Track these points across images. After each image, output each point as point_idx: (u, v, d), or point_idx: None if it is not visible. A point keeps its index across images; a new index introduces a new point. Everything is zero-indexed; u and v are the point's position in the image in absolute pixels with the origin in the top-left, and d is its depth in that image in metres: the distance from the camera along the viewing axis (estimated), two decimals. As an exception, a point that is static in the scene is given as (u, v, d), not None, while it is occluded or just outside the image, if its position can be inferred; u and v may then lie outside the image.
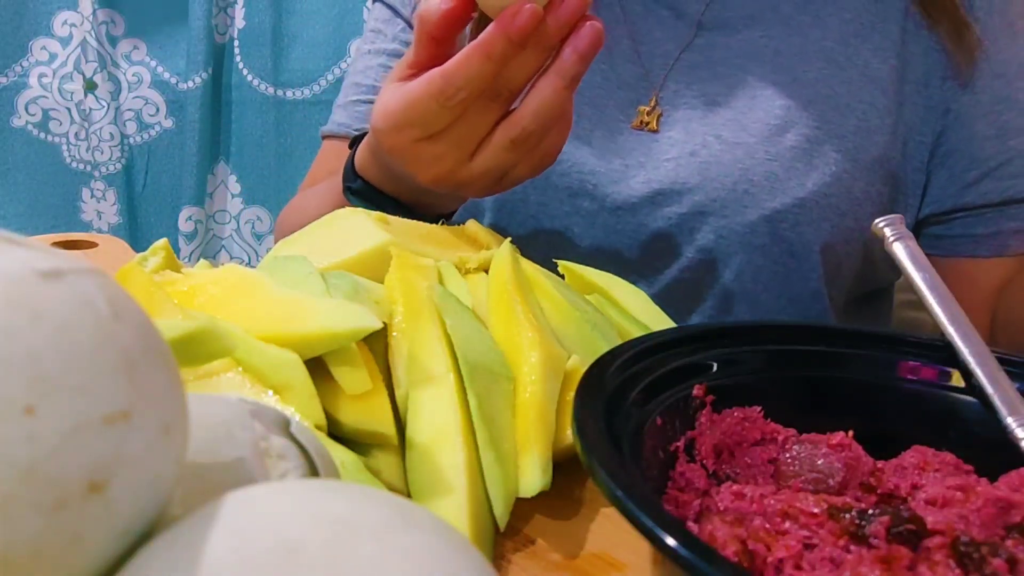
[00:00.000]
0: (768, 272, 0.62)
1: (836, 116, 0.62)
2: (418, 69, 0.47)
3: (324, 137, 0.76)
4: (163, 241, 0.47)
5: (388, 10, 0.74)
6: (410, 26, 0.73)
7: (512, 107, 0.47)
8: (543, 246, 0.65)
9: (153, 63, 1.26)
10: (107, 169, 1.27)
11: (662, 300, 0.62)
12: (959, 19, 0.61)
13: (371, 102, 0.70)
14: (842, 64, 0.62)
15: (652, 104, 0.64)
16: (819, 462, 0.32)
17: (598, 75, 0.66)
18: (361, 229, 0.46)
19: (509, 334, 0.39)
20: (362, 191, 0.55)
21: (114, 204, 1.29)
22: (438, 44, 0.46)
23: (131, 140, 1.28)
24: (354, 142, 0.59)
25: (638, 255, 0.64)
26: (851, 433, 0.33)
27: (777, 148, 0.61)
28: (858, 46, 0.62)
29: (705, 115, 0.63)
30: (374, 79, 0.73)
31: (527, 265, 0.47)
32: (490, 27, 0.43)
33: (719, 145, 0.61)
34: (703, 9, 0.65)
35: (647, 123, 0.64)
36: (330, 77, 1.24)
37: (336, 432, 0.34)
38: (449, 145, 0.47)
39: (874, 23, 0.63)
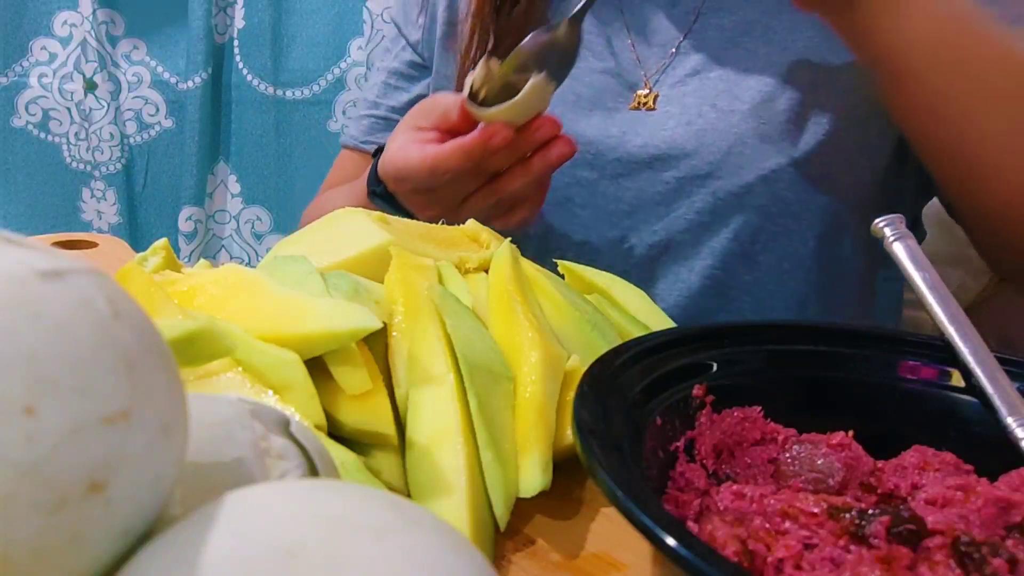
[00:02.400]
0: (767, 232, 0.64)
1: (827, 79, 0.63)
2: (431, 128, 0.58)
3: (342, 145, 0.86)
4: (163, 241, 0.47)
5: (395, 28, 0.81)
6: (411, 46, 0.80)
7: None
8: (547, 216, 0.69)
9: (153, 63, 1.26)
10: (107, 169, 1.27)
11: (663, 261, 0.66)
12: None
13: (375, 117, 0.82)
14: (832, 30, 0.63)
15: (648, 88, 0.67)
16: (819, 462, 0.32)
17: (598, 65, 0.69)
18: (361, 229, 0.46)
19: (509, 334, 0.39)
20: (384, 195, 0.63)
21: (114, 204, 1.29)
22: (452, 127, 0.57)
23: (131, 140, 1.28)
24: (377, 152, 0.67)
25: (637, 220, 0.67)
26: (851, 433, 0.33)
27: (769, 112, 0.62)
28: None
29: (699, 89, 0.65)
30: (376, 95, 0.81)
31: (527, 265, 0.47)
32: (473, 134, 0.54)
33: (713, 114, 0.64)
34: (702, 3, 0.67)
35: (644, 103, 0.67)
36: (330, 77, 1.24)
37: (336, 432, 0.34)
38: (439, 199, 0.58)
39: None
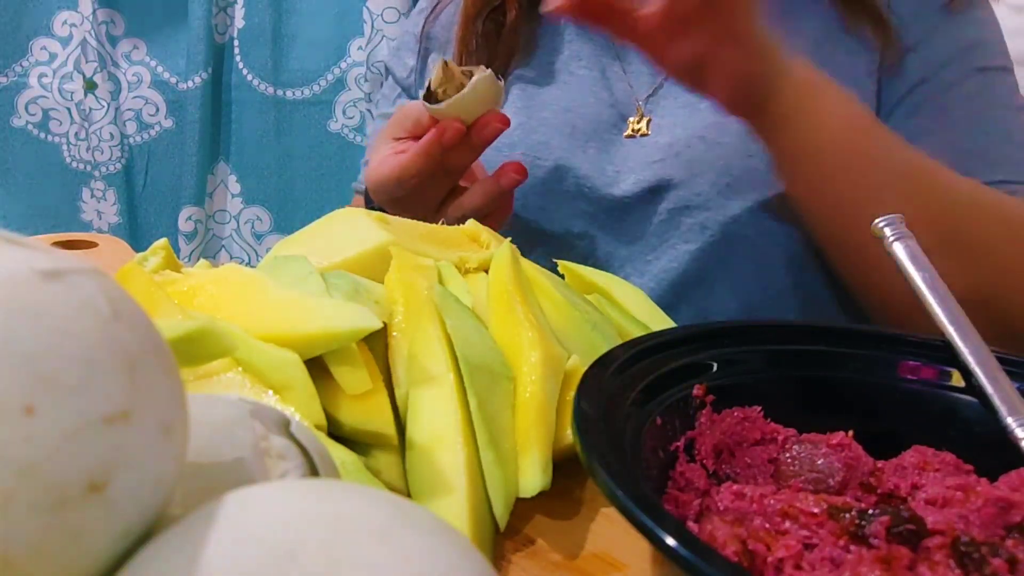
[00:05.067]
0: (753, 262, 0.65)
1: None
2: (407, 137, 0.62)
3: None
4: (163, 241, 0.47)
5: (391, 76, 0.85)
6: (404, 90, 0.83)
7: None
8: (545, 245, 0.70)
9: (153, 63, 1.26)
10: (107, 169, 1.27)
11: (653, 289, 0.67)
12: (878, 16, 0.64)
13: None
14: (818, 68, 0.63)
15: (640, 115, 0.69)
16: (819, 462, 0.32)
17: (591, 96, 0.71)
18: (361, 229, 0.46)
19: (509, 334, 0.39)
20: (379, 210, 0.67)
21: (114, 204, 1.29)
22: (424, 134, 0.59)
23: (131, 140, 1.28)
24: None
25: (632, 250, 0.69)
26: (851, 433, 0.33)
27: (757, 146, 0.62)
28: (832, 50, 0.65)
29: (688, 121, 0.67)
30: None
31: (527, 265, 0.47)
32: (428, 134, 0.57)
33: (702, 145, 0.65)
34: None
35: (638, 130, 0.69)
36: (330, 77, 1.24)
37: (336, 432, 0.34)
38: (414, 205, 0.61)
39: (848, 27, 0.65)
